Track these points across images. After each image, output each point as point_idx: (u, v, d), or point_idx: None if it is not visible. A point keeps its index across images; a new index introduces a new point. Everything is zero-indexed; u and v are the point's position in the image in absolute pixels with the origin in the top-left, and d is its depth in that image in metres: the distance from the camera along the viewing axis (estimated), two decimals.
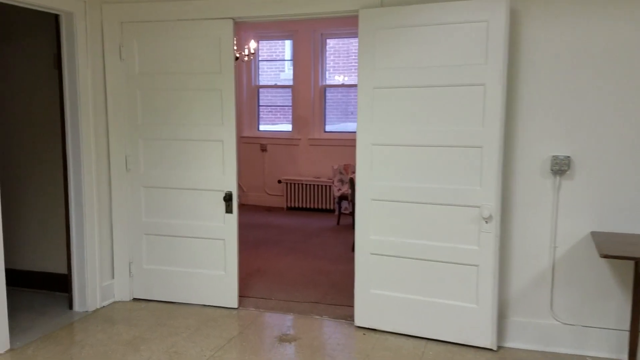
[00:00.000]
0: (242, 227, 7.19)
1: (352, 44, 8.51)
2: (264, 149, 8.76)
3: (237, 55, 6.95)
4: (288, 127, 8.75)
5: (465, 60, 3.52)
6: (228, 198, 4.26)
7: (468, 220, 3.62)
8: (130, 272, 4.48)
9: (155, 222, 4.40)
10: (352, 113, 8.44)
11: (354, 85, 8.36)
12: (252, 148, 8.85)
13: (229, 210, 4.28)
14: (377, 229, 3.86)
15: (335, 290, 4.74)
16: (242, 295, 4.57)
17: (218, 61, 4.13)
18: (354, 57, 8.48)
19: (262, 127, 8.95)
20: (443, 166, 3.66)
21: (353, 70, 8.44)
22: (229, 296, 4.31)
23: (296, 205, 8.40)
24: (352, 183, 6.00)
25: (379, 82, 3.78)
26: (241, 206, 8.75)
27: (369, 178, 3.88)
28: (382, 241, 3.84)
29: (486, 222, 3.58)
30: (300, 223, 7.50)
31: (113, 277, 4.47)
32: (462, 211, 3.63)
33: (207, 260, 4.35)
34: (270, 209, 8.48)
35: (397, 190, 3.78)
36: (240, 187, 8.88)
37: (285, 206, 8.46)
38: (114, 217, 4.41)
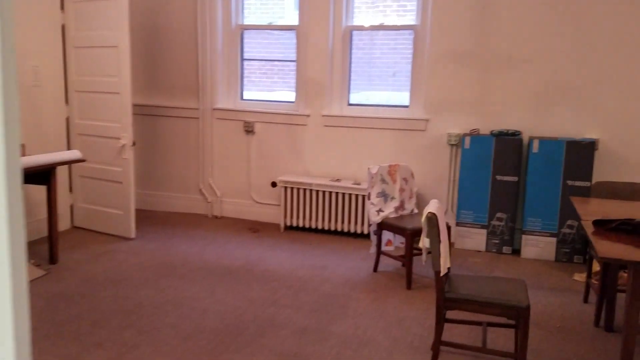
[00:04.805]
0: (191, 279, 3.76)
1: None
2: (250, 129, 5.26)
3: None
4: (290, 95, 5.25)
5: None
6: None
7: None
8: None
9: None
10: (394, 75, 4.93)
11: (403, 27, 4.83)
12: (231, 128, 5.34)
13: None
14: None
15: None
16: None
17: None
18: None
19: (247, 95, 5.43)
20: None
21: (389, 10, 4.87)
22: None
23: (301, 225, 4.95)
24: (431, 223, 2.58)
25: None
26: (213, 221, 5.30)
27: None
28: None
29: None
30: (306, 265, 4.08)
31: None
32: None
33: None
34: (257, 229, 5.02)
35: None
36: (211, 189, 5.42)
37: (282, 224, 5.00)
38: None
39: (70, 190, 4.95)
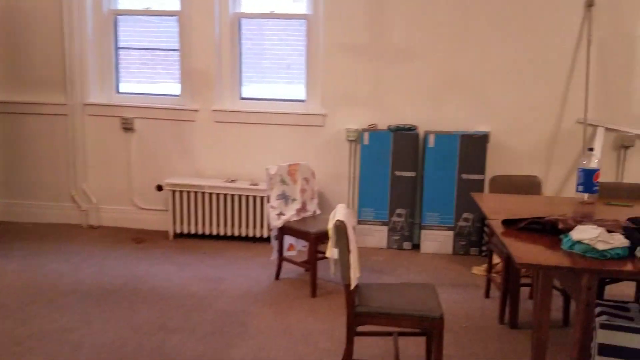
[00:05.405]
0: (62, 305, 3.21)
1: None
2: (128, 126, 4.69)
3: None
4: (174, 88, 4.75)
5: None
6: None
7: None
8: None
9: None
10: (289, 67, 4.62)
11: (295, 16, 4.54)
12: (107, 125, 4.73)
13: None
14: None
15: None
16: None
17: None
18: None
19: (124, 88, 4.84)
20: None
21: None
22: None
23: (192, 231, 4.50)
24: (339, 232, 2.32)
25: None
26: (89, 232, 4.66)
27: None
28: None
29: None
30: (199, 278, 3.67)
31: None
32: None
33: None
34: (141, 239, 4.49)
35: None
36: (85, 195, 4.77)
37: (171, 232, 4.52)
38: None
39: None
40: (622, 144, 4.18)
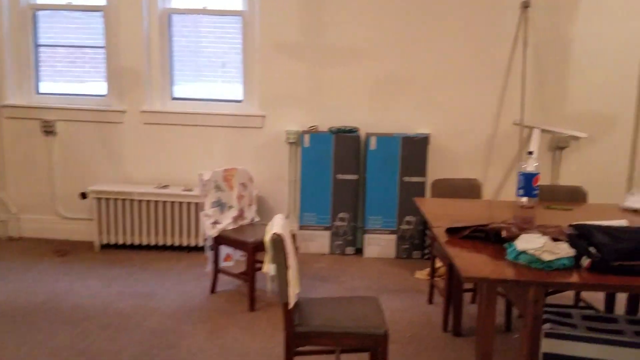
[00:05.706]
0: None
1: None
2: (50, 130, 4.30)
3: None
4: (100, 87, 4.39)
5: None
6: None
7: None
8: None
9: None
10: (224, 66, 4.37)
11: (229, 12, 4.29)
12: (27, 128, 4.32)
13: None
14: None
15: None
16: None
17: None
18: None
19: (45, 88, 4.43)
20: None
21: None
22: None
23: (120, 242, 4.17)
24: (276, 247, 2.13)
25: None
26: (8, 245, 4.23)
27: None
28: None
29: None
30: (127, 294, 3.38)
31: None
32: None
33: None
34: (64, 251, 4.12)
35: None
36: (3, 205, 4.33)
37: (97, 242, 4.17)
38: None
39: None
40: (558, 145, 4.22)
